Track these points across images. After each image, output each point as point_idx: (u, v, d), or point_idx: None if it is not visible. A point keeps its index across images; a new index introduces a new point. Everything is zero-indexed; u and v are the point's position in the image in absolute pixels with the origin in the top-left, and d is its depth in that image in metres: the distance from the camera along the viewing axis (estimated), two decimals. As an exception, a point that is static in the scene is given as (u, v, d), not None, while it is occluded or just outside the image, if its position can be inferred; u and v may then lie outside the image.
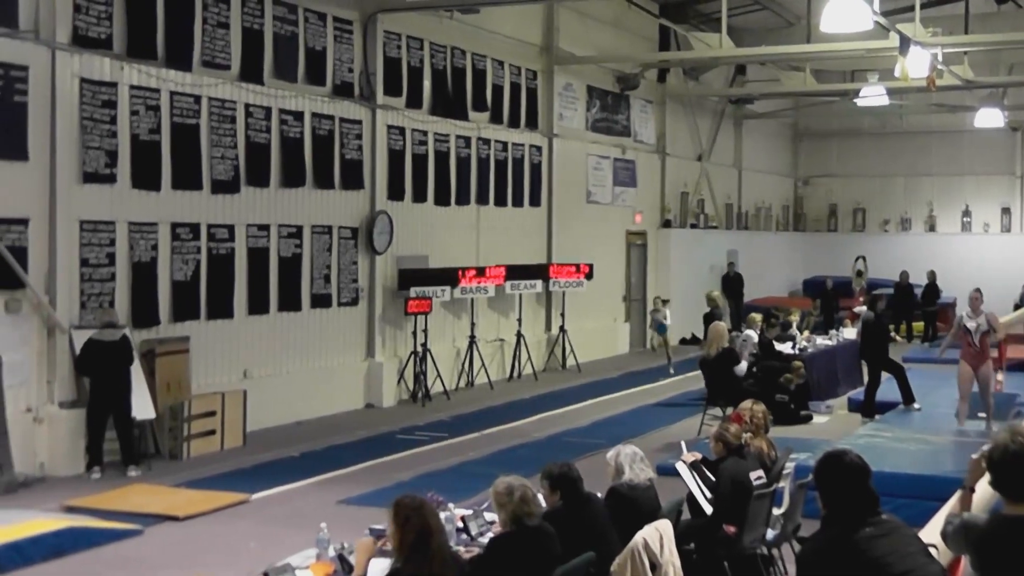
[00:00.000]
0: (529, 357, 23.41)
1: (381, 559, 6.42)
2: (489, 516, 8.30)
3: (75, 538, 10.69)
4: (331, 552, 7.20)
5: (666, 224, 30.91)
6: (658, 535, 7.53)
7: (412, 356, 20.21)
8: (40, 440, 13.95)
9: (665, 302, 26.21)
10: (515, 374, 23.30)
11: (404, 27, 20.55)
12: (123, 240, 15.26)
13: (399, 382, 20.17)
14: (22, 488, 13.12)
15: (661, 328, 25.86)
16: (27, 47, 13.99)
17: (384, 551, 6.47)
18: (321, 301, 18.72)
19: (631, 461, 8.30)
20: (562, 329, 24.68)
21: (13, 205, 13.83)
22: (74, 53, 14.53)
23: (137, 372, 14.64)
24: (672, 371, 23.90)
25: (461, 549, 7.25)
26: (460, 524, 7.93)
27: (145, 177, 15.54)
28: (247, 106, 17.20)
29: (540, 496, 7.42)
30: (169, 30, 15.93)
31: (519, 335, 23.29)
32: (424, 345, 20.13)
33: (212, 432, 15.44)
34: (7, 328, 13.72)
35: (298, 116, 18.16)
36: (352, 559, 6.92)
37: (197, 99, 16.35)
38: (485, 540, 7.79)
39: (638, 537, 7.40)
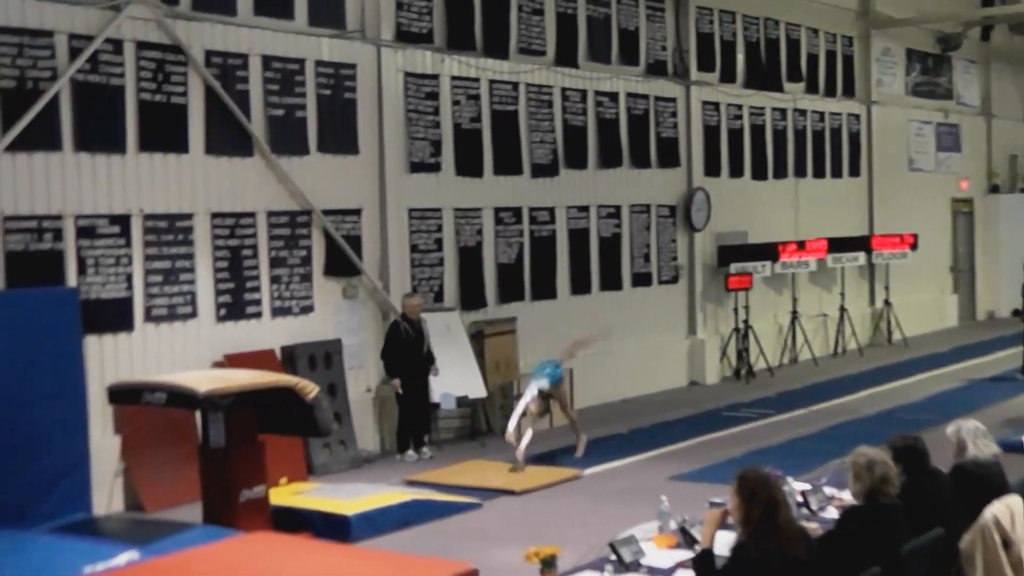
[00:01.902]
0: (853, 332, 22.85)
1: (724, 532, 6.41)
2: (828, 491, 8.18)
3: (420, 510, 11.15)
4: (672, 524, 7.25)
5: (994, 190, 29.48)
6: (1009, 512, 7.21)
7: (734, 333, 20.07)
8: (379, 418, 14.61)
9: None
10: (839, 350, 22.76)
11: (716, 1, 20.41)
12: (449, 226, 15.79)
13: (722, 359, 20.05)
14: (365, 463, 13.80)
15: (552, 373, 13.75)
16: (355, 46, 14.65)
17: (727, 525, 6.46)
18: (642, 280, 18.85)
19: (974, 436, 7.97)
20: (887, 302, 23.93)
21: (347, 196, 14.52)
22: (398, 49, 15.11)
23: (467, 353, 15.13)
24: (580, 453, 14.02)
25: (803, 524, 7.15)
26: (800, 499, 7.83)
27: (468, 164, 16.04)
28: (563, 90, 17.46)
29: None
30: (486, 20, 16.35)
31: (842, 309, 22.74)
32: (746, 321, 19.97)
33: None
34: (346, 313, 14.44)
35: (613, 97, 18.31)
36: (694, 532, 6.95)
37: (515, 86, 16.72)
38: (826, 515, 7.69)
39: (988, 514, 7.11)
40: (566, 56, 17.57)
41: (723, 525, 6.37)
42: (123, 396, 10.68)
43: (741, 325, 19.97)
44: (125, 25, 12.21)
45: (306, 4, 14.12)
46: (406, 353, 14.12)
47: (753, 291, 20.17)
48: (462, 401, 14.85)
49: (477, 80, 16.18)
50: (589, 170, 17.92)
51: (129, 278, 12.26)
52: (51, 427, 10.67)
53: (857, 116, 24.27)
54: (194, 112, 12.90)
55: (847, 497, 7.33)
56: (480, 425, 15.44)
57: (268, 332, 13.47)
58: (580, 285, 17.71)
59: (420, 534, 10.69)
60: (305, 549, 8.63)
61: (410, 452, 14.12)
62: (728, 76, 20.80)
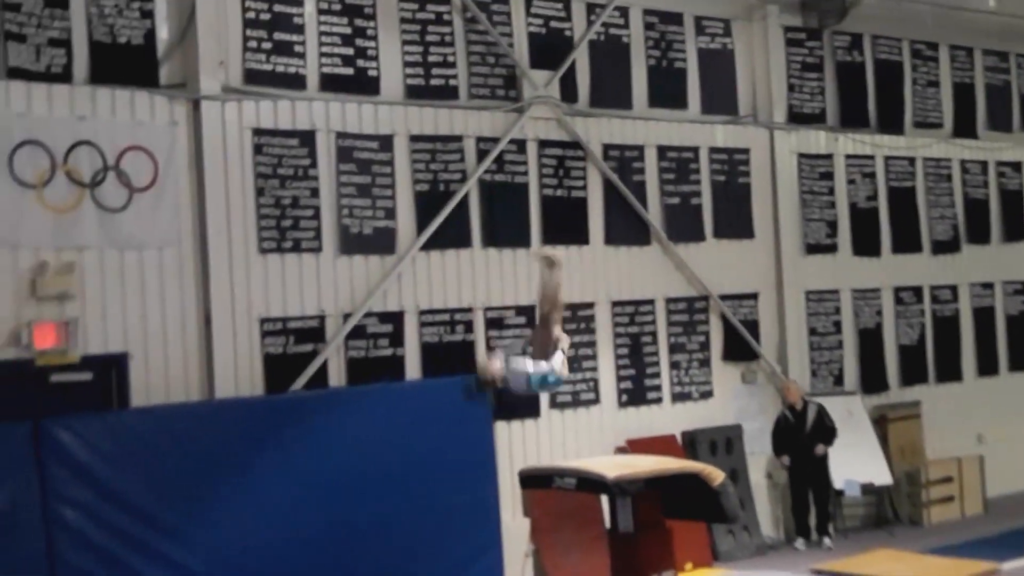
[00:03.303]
0: None
1: None
2: None
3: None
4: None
5: None
6: None
7: None
8: (781, 505, 14.41)
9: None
10: None
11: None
12: (847, 307, 15.53)
13: None
14: (769, 550, 13.65)
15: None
16: (748, 131, 14.78)
17: None
18: (1054, 359, 17.86)
19: None
20: None
21: (743, 281, 14.56)
22: (790, 131, 15.10)
23: (870, 438, 14.76)
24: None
25: None
26: None
27: (865, 243, 15.77)
28: (962, 162, 16.92)
29: None
30: (880, 96, 16.12)
31: None
32: None
33: (950, 498, 15.18)
34: (745, 399, 14.39)
35: (1016, 167, 17.61)
36: None
37: (911, 161, 16.35)
38: None
39: None
40: (964, 127, 17.04)
41: None
42: (533, 481, 11.03)
43: None
44: (528, 125, 12.82)
45: (699, 93, 14.37)
46: (790, 439, 14.00)
47: None
48: (867, 488, 14.43)
49: (872, 157, 15.93)
50: (993, 244, 17.24)
51: (535, 366, 12.69)
52: (466, 509, 11.11)
53: None
54: (593, 204, 13.33)
55: None
56: (886, 512, 14.95)
57: (669, 417, 13.61)
58: (987, 366, 16.96)
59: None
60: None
61: (800, 540, 13.90)
62: None
